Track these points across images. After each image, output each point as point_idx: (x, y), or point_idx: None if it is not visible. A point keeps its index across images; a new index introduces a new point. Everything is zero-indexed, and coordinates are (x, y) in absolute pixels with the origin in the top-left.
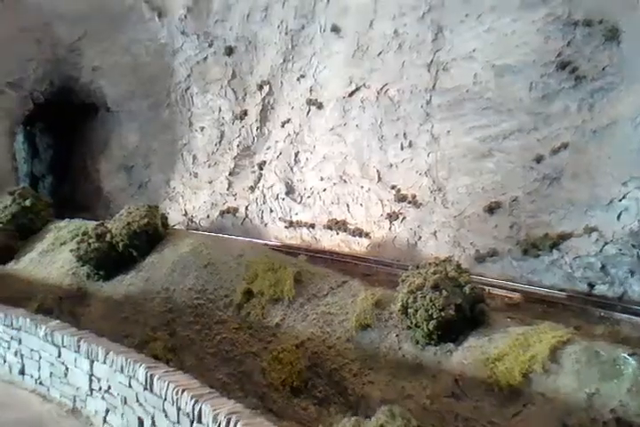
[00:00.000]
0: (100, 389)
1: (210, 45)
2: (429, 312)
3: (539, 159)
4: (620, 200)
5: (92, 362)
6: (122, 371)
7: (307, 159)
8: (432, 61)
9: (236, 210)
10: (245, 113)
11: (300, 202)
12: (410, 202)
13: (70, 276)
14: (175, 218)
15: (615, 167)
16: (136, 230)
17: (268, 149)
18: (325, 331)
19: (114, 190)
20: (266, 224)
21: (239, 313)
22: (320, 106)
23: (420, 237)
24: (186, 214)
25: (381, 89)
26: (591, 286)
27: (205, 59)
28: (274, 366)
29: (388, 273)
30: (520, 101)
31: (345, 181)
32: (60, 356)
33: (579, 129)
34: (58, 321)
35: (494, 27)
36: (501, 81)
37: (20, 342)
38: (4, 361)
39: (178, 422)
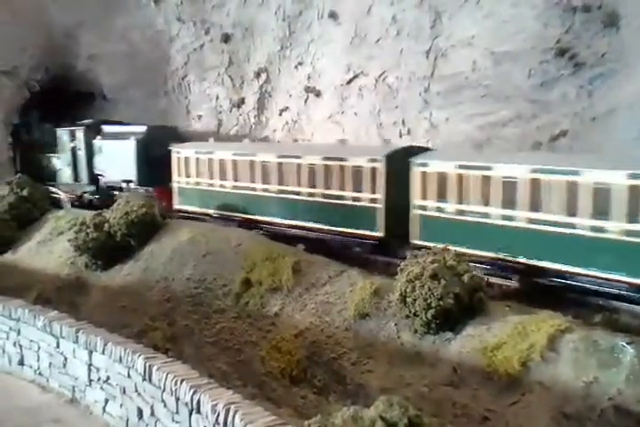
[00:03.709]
0: (99, 379)
1: (206, 32)
2: (428, 301)
3: (537, 147)
4: None
5: (91, 352)
6: (120, 361)
7: None
8: (430, 48)
9: None
10: (243, 101)
11: None
12: None
13: (68, 265)
14: None
15: None
16: (134, 220)
17: (265, 137)
18: (324, 320)
19: None
20: None
21: (238, 302)
22: (318, 94)
23: None
24: None
25: (380, 76)
26: None
27: (202, 46)
28: (273, 355)
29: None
30: (519, 89)
31: None
32: (58, 346)
33: (578, 116)
34: (56, 312)
35: (493, 12)
36: (500, 68)
37: (18, 332)
38: (4, 352)
39: (177, 412)
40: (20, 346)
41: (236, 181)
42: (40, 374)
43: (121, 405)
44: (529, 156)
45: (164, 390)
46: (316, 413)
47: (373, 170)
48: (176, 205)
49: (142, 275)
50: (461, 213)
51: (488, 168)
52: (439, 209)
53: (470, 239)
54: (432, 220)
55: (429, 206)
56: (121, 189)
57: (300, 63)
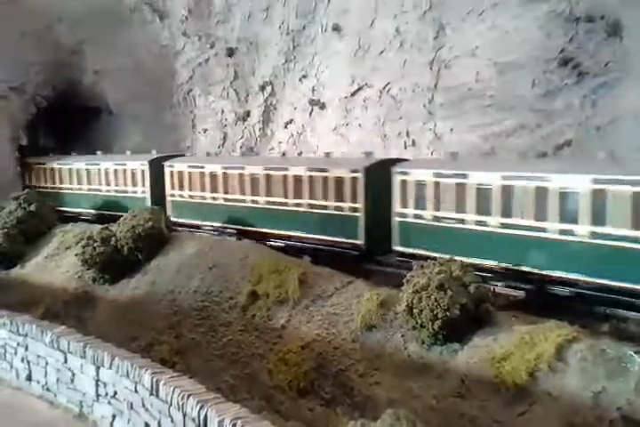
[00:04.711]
0: (107, 394)
1: (211, 47)
2: (434, 312)
3: (542, 156)
4: None
5: (98, 368)
6: (128, 376)
7: None
8: (434, 60)
9: None
10: (248, 114)
11: None
12: None
13: (76, 280)
14: None
15: None
16: (140, 233)
17: (271, 149)
18: (331, 332)
19: None
20: None
21: (245, 315)
22: (322, 106)
23: None
24: None
25: (384, 88)
26: None
27: (207, 60)
28: (280, 367)
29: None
30: (522, 99)
31: None
32: (66, 362)
33: (582, 126)
34: (63, 327)
35: (496, 24)
36: (504, 78)
37: (26, 348)
38: (11, 367)
39: None
40: (28, 362)
41: (61, 183)
42: (48, 389)
43: (128, 420)
44: (227, 158)
45: (171, 405)
46: (324, 426)
47: (142, 171)
48: None
49: (149, 288)
50: (192, 197)
51: (202, 167)
52: (180, 195)
53: (203, 215)
54: (177, 203)
55: (175, 194)
56: None
57: (305, 76)
